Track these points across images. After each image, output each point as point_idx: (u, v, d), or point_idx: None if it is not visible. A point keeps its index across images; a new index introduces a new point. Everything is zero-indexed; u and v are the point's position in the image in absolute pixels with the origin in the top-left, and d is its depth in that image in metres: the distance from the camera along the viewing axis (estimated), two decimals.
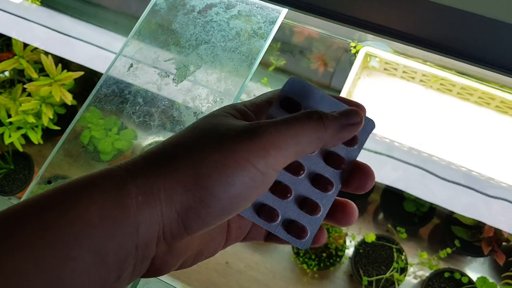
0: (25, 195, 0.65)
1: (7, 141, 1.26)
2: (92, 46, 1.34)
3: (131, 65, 0.69)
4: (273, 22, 0.69)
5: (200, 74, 0.68)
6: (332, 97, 0.36)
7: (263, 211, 0.35)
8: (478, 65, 0.64)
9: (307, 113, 0.33)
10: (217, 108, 0.37)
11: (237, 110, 0.35)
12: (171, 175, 0.29)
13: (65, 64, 1.29)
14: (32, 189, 0.66)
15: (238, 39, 0.69)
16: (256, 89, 1.26)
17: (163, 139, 0.84)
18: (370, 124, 0.37)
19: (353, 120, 0.33)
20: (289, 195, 0.36)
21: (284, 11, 0.70)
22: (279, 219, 0.36)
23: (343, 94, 0.97)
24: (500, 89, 0.89)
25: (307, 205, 0.36)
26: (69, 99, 1.22)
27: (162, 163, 0.30)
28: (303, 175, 0.36)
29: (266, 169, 0.31)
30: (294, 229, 0.36)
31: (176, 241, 0.30)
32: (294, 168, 0.36)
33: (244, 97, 1.17)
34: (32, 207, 0.28)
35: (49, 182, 0.64)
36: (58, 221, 0.27)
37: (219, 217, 0.31)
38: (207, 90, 0.66)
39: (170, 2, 0.73)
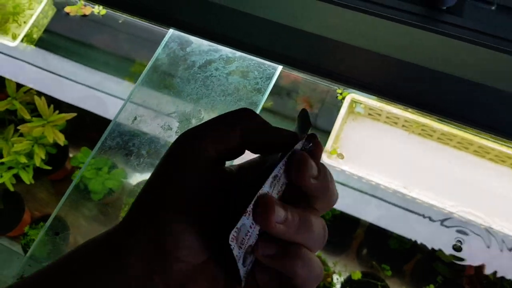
0: (35, 244, 0.68)
1: None
2: (83, 86, 1.37)
3: (135, 118, 0.73)
4: (269, 78, 0.74)
5: None
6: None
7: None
8: (453, 121, 0.69)
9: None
10: None
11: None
12: (145, 227, 0.32)
13: (57, 104, 1.32)
14: (40, 239, 0.68)
15: (237, 93, 0.73)
16: None
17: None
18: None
19: None
20: None
21: (279, 68, 0.75)
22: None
23: (331, 138, 1.02)
24: (478, 135, 0.95)
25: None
26: (61, 139, 1.25)
27: (137, 217, 0.33)
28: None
29: None
30: None
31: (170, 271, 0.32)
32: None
33: None
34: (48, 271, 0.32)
35: (57, 234, 0.67)
36: (58, 274, 0.32)
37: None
38: None
39: (171, 57, 0.77)
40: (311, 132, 0.36)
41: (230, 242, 0.30)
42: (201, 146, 0.33)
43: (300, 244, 0.32)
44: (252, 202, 0.30)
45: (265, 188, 0.31)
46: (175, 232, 0.31)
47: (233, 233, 0.30)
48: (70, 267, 0.32)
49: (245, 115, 0.35)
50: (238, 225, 0.30)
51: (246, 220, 0.30)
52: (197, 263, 0.32)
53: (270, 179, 0.32)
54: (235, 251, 0.30)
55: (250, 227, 0.31)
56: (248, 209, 0.30)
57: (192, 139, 0.34)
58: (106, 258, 0.32)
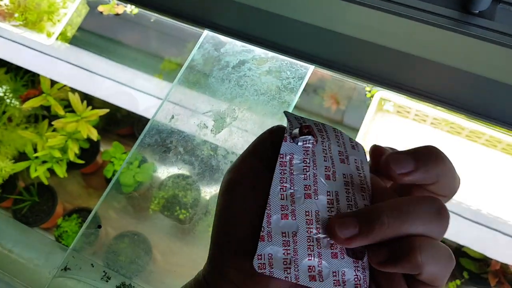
0: (76, 239, 0.71)
1: (33, 175, 1.32)
2: (115, 83, 1.40)
3: (172, 117, 0.76)
4: (301, 78, 0.76)
5: (236, 125, 0.74)
6: None
7: None
8: (478, 119, 0.71)
9: None
10: None
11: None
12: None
13: (88, 99, 1.35)
14: (82, 232, 0.72)
15: (270, 93, 0.76)
16: (272, 124, 1.33)
17: (179, 173, 0.88)
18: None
19: None
20: None
21: (311, 67, 0.77)
22: None
23: (360, 135, 1.04)
24: (506, 133, 0.96)
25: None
26: (94, 135, 1.29)
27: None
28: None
29: None
30: None
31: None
32: None
33: None
34: None
35: (99, 227, 0.70)
36: None
37: None
38: (242, 140, 0.73)
39: (206, 57, 0.80)
40: (304, 124, 0.32)
41: (259, 271, 0.26)
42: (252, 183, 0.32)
43: (412, 235, 0.28)
44: (264, 223, 0.27)
45: (274, 207, 0.28)
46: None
47: (257, 262, 0.26)
48: None
49: (272, 134, 0.34)
50: (258, 251, 0.26)
51: (269, 244, 0.27)
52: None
53: (276, 195, 0.28)
54: (278, 274, 0.26)
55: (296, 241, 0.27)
56: (262, 234, 0.27)
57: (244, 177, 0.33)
58: None
